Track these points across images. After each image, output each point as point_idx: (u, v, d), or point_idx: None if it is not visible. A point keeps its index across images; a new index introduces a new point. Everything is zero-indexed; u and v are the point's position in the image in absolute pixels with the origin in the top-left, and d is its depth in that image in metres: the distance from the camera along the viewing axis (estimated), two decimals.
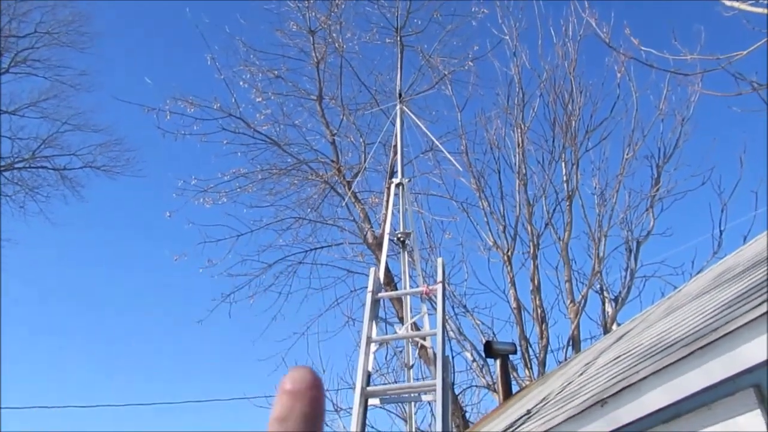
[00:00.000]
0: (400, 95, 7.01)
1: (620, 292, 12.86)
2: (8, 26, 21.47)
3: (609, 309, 12.82)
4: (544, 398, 5.55)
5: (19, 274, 25.51)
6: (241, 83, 14.16)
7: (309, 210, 14.18)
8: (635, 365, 3.17)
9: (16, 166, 21.64)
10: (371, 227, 13.14)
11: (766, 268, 3.48)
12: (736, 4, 6.75)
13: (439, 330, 4.59)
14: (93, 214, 25.16)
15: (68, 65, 21.63)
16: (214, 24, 16.09)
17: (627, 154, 13.16)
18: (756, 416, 2.52)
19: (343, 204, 13.47)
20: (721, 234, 11.97)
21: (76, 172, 21.62)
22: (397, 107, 6.71)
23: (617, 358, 4.40)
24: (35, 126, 21.65)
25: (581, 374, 5.34)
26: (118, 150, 21.56)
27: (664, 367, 2.76)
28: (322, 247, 13.93)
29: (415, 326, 6.63)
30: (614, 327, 11.86)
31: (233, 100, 13.90)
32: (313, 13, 14.08)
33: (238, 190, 13.97)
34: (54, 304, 26.01)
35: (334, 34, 14.03)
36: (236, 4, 19.38)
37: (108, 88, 22.88)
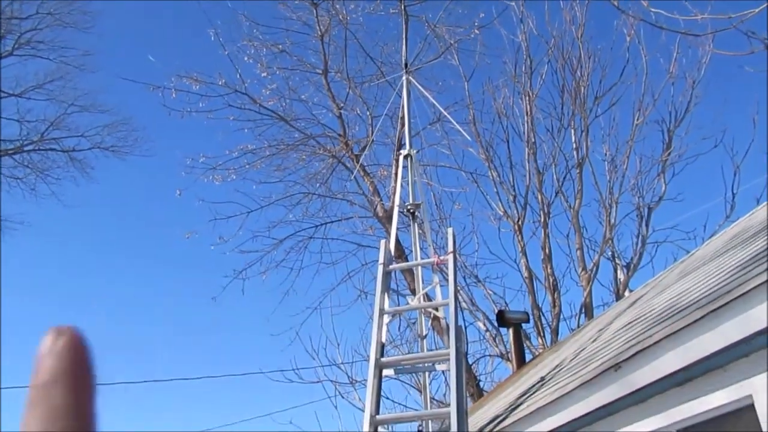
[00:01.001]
0: (406, 66, 6.93)
1: (632, 259, 12.84)
2: (10, 8, 21.38)
3: (621, 275, 12.81)
4: (557, 365, 5.58)
5: (32, 256, 25.79)
6: (245, 58, 14.07)
7: (318, 185, 14.19)
8: (648, 329, 3.17)
9: (25, 148, 21.74)
10: (380, 200, 13.14)
11: None
12: None
13: (451, 300, 4.61)
14: (104, 194, 25.30)
15: (72, 46, 21.56)
16: None
17: (637, 120, 13.01)
18: None
19: (352, 178, 13.45)
20: (733, 197, 11.88)
21: (85, 154, 21.69)
22: (404, 78, 6.65)
23: (630, 323, 4.40)
24: (42, 108, 21.60)
25: (594, 340, 5.35)
26: (126, 130, 21.58)
27: (677, 330, 2.75)
28: (332, 222, 13.98)
29: (428, 297, 6.65)
30: (626, 293, 11.86)
31: (238, 76, 13.83)
32: None
33: (247, 166, 13.98)
34: (66, 285, 26.34)
35: (337, 6, 13.87)
36: None
37: (113, 68, 22.84)
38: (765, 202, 6.15)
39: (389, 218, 11.84)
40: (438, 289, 5.46)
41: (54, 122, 21.62)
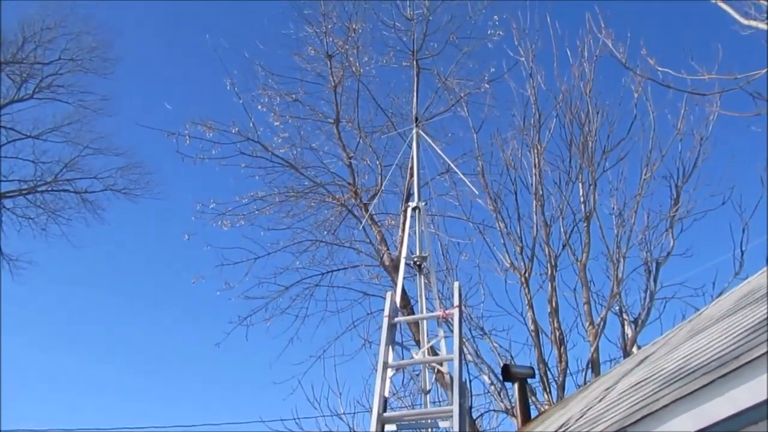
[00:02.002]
0: (416, 119, 7.05)
1: (640, 314, 12.66)
2: (34, 53, 21.99)
3: (629, 331, 12.61)
4: (563, 424, 5.46)
5: (40, 293, 25.80)
6: (259, 107, 14.33)
7: (326, 232, 14.23)
8: (657, 391, 3.11)
9: (38, 189, 22.02)
10: (387, 249, 13.13)
11: None
12: (753, 23, 6.73)
13: (456, 355, 4.55)
14: (114, 236, 25.45)
15: (91, 90, 22.11)
16: (233, 49, 16.31)
17: (645, 174, 13.05)
18: None
19: (360, 227, 13.48)
20: (742, 254, 11.76)
21: (97, 195, 22.00)
22: (414, 131, 6.74)
23: (638, 383, 4.32)
24: (58, 150, 22.02)
25: (601, 400, 5.25)
26: (138, 173, 21.94)
27: (687, 394, 2.70)
28: (339, 270, 13.94)
29: (432, 350, 6.57)
30: (634, 350, 11.66)
31: (251, 124, 14.05)
32: (331, 38, 14.25)
33: (256, 212, 14.06)
34: (73, 323, 26.24)
35: (351, 58, 14.18)
36: (255, 29, 19.71)
37: (129, 112, 23.29)
38: None
39: (396, 267, 11.79)
40: (443, 343, 5.41)
41: (68, 164, 22.01)
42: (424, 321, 6.06)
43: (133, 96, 25.65)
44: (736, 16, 6.97)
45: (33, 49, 21.85)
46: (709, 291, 11.79)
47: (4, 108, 21.64)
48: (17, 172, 21.56)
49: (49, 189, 22.05)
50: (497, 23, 13.74)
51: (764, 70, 6.24)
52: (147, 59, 26.10)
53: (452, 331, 5.06)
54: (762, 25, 6.69)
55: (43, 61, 22.06)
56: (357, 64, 14.09)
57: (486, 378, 12.75)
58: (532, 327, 12.81)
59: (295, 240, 14.10)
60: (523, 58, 13.89)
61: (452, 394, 4.32)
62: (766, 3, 6.51)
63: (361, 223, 13.30)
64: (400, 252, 7.06)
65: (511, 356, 12.74)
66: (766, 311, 3.33)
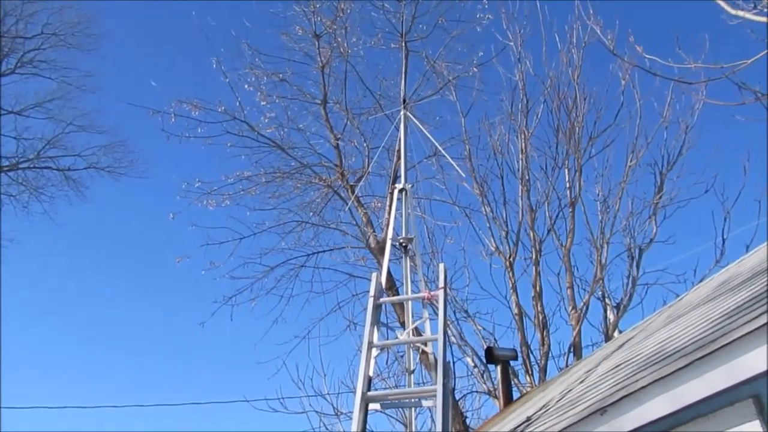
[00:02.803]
0: (404, 101, 7.04)
1: (622, 299, 12.85)
2: (15, 27, 21.58)
3: (611, 316, 12.80)
4: (544, 405, 5.56)
5: (22, 274, 25.58)
6: (246, 86, 14.20)
7: (312, 214, 14.21)
8: (636, 374, 3.19)
9: (20, 166, 21.73)
10: (373, 231, 13.16)
11: (766, 278, 3.50)
12: (740, 13, 6.77)
13: (440, 336, 4.61)
14: (97, 215, 25.24)
15: (74, 67, 21.76)
16: (220, 27, 16.17)
17: (630, 162, 13.17)
18: (755, 426, 2.53)
19: (347, 208, 13.48)
20: (723, 242, 11.96)
21: (80, 173, 21.75)
22: (401, 113, 6.74)
23: (618, 366, 4.41)
24: (40, 126, 21.75)
25: (582, 381, 5.35)
26: (122, 151, 21.69)
27: (664, 377, 2.77)
28: (324, 251, 13.95)
29: (417, 331, 6.64)
30: (616, 334, 11.85)
31: (238, 103, 13.94)
32: (319, 18, 14.12)
33: (242, 192, 14.00)
34: (56, 304, 26.08)
35: (339, 39, 14.07)
36: (242, 7, 19.47)
37: (113, 90, 23.04)
38: (754, 249, 6.22)
39: (381, 250, 11.84)
40: (427, 324, 5.46)
41: (51, 141, 21.69)
42: (409, 302, 6.11)
43: (118, 73, 25.30)
44: (724, 6, 7.00)
45: (14, 23, 21.43)
46: (690, 278, 11.99)
47: None
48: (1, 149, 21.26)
49: (32, 166, 21.77)
50: (486, 7, 13.68)
51: (750, 60, 6.29)
52: (132, 36, 25.71)
53: (437, 313, 5.12)
54: (749, 16, 6.73)
55: (24, 35, 21.66)
56: (345, 45, 14.00)
57: (469, 360, 12.91)
58: (515, 310, 12.96)
59: (281, 221, 14.09)
60: (511, 43, 13.91)
61: (436, 375, 4.38)
62: None
63: (347, 204, 13.30)
64: (386, 233, 7.08)
65: (495, 339, 12.91)
66: (742, 298, 3.41)
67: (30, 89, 22.23)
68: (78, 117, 21.61)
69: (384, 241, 9.17)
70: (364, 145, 14.04)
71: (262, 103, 14.19)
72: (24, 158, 21.68)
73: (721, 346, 2.54)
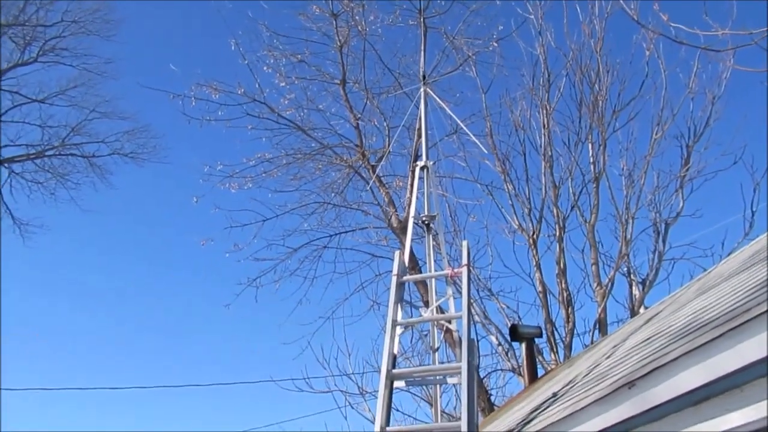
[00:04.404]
0: (423, 77, 6.94)
1: (648, 275, 12.70)
2: (36, 15, 21.76)
3: (636, 292, 12.66)
4: (570, 381, 5.51)
5: (50, 260, 26.10)
6: (264, 68, 14.20)
7: (333, 194, 14.22)
8: (666, 346, 3.12)
9: (46, 153, 22.05)
10: (395, 211, 13.13)
11: None
12: None
13: (464, 313, 4.57)
14: (122, 200, 25.58)
15: (94, 53, 21.92)
16: (237, 9, 16.08)
17: (656, 134, 12.90)
18: None
19: (368, 188, 13.46)
20: (752, 215, 11.71)
21: (105, 159, 22.02)
22: (421, 90, 6.64)
23: (647, 339, 4.34)
24: (64, 114, 21.95)
25: (609, 356, 5.29)
26: (145, 136, 21.92)
27: (696, 347, 2.70)
28: (347, 232, 13.99)
29: (440, 309, 6.61)
30: (641, 310, 11.72)
31: (257, 86, 13.95)
32: None
33: (263, 175, 14.06)
34: (82, 289, 26.59)
35: (356, 17, 13.95)
36: None
37: (133, 75, 23.14)
38: None
39: (403, 229, 11.81)
40: (451, 302, 5.43)
41: (75, 128, 21.96)
42: (433, 280, 6.08)
43: (137, 58, 25.41)
44: None
45: (35, 11, 21.61)
46: (718, 252, 11.79)
47: (9, 72, 21.52)
48: (25, 137, 21.59)
49: (57, 153, 22.08)
50: None
51: None
52: (150, 20, 25.77)
53: (460, 291, 5.08)
54: None
55: (45, 23, 21.83)
56: (363, 23, 13.88)
57: (493, 338, 12.90)
58: (539, 288, 12.87)
59: (303, 202, 14.14)
60: (532, 16, 13.63)
61: (461, 352, 4.35)
62: None
63: (368, 184, 13.27)
64: (408, 212, 7.05)
65: (519, 317, 12.86)
66: None
67: (52, 77, 22.49)
68: (100, 103, 21.85)
69: (406, 220, 9.11)
70: (384, 124, 13.99)
71: (282, 84, 14.20)
72: (49, 146, 22.01)
73: (756, 316, 2.47)
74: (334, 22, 13.95)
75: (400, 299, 4.91)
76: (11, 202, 20.90)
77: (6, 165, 21.35)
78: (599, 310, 12.42)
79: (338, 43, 13.96)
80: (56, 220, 25.40)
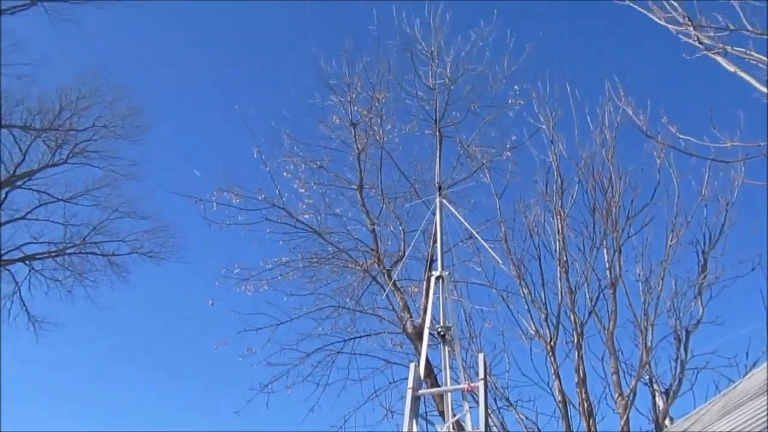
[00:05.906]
0: (439, 188, 7.14)
1: (671, 385, 12.25)
2: (69, 120, 22.89)
3: (660, 403, 12.18)
4: None
5: (63, 355, 25.85)
6: (285, 174, 14.63)
7: (348, 299, 14.20)
8: None
9: (67, 251, 22.46)
10: (411, 317, 13.03)
11: None
12: None
13: (482, 430, 4.47)
14: (138, 298, 25.67)
15: (121, 155, 22.84)
16: (261, 117, 16.81)
17: (671, 240, 12.89)
18: None
19: (384, 294, 13.44)
20: None
21: (124, 258, 22.35)
22: (437, 200, 6.83)
23: None
24: (87, 213, 22.59)
25: None
26: (164, 236, 22.36)
27: None
28: (361, 337, 13.82)
29: (458, 424, 6.44)
30: (666, 422, 11.26)
31: (277, 191, 14.30)
32: (355, 107, 14.64)
33: (279, 278, 14.13)
34: (96, 387, 26.15)
35: (374, 126, 14.51)
36: (282, 99, 20.33)
37: (157, 177, 23.90)
38: None
39: (419, 335, 11.67)
40: (468, 417, 5.30)
41: (97, 227, 22.51)
42: (449, 393, 5.97)
43: (162, 161, 26.37)
44: (756, 84, 7.05)
45: (69, 117, 22.76)
46: (742, 360, 11.41)
47: (39, 172, 22.39)
48: (47, 234, 22.10)
49: (78, 251, 22.49)
50: (518, 92, 14.03)
51: None
52: (177, 126, 26.97)
53: (477, 403, 4.98)
54: None
55: (77, 128, 22.92)
56: (380, 132, 14.41)
57: None
58: (559, 397, 12.45)
59: (318, 306, 14.09)
60: (543, 126, 14.07)
61: None
62: None
63: (384, 290, 13.27)
64: (423, 321, 7.02)
65: (538, 428, 12.35)
66: None
67: (79, 177, 23.29)
68: (123, 204, 22.50)
69: (421, 327, 9.06)
70: (400, 228, 14.17)
71: (300, 189, 14.58)
72: (71, 244, 22.46)
73: None
74: (352, 130, 14.52)
75: (415, 414, 4.82)
76: (28, 299, 21.09)
77: (27, 262, 21.75)
78: (622, 423, 11.92)
79: (356, 151, 14.45)
80: (70, 316, 25.43)
